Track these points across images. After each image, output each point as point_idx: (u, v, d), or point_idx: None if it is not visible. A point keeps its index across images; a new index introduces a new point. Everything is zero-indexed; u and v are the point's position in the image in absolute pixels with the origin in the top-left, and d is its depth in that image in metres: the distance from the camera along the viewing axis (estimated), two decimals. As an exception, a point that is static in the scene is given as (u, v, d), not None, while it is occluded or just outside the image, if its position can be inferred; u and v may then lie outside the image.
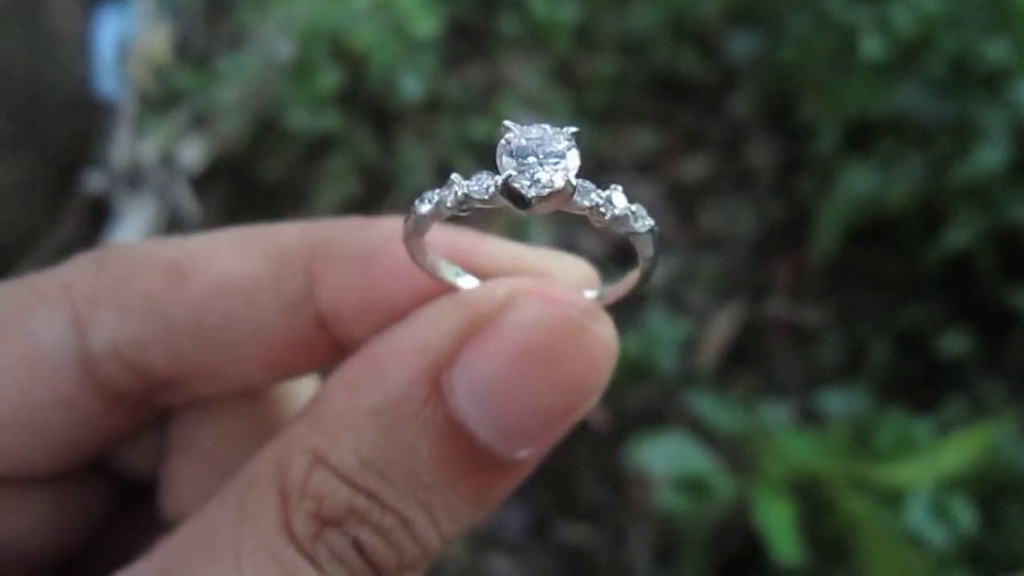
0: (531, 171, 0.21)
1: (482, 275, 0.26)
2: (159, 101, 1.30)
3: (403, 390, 0.23)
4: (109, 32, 1.32)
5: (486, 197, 0.21)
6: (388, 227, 0.27)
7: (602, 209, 0.22)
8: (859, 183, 1.14)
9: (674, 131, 1.41)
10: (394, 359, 0.24)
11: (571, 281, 0.26)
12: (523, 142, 0.21)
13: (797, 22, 1.26)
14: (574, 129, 0.22)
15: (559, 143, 0.21)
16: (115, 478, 0.32)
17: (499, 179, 0.21)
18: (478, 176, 0.22)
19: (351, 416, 0.24)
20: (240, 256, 0.27)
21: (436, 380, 0.23)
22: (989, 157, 1.03)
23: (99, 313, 0.27)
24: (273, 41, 1.28)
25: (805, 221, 1.27)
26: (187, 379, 0.28)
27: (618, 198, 0.22)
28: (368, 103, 1.32)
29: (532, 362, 0.23)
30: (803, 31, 1.25)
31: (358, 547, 0.23)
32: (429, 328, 0.24)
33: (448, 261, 0.26)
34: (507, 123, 0.22)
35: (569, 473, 1.12)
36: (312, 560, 0.23)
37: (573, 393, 0.24)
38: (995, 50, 1.05)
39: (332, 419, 0.24)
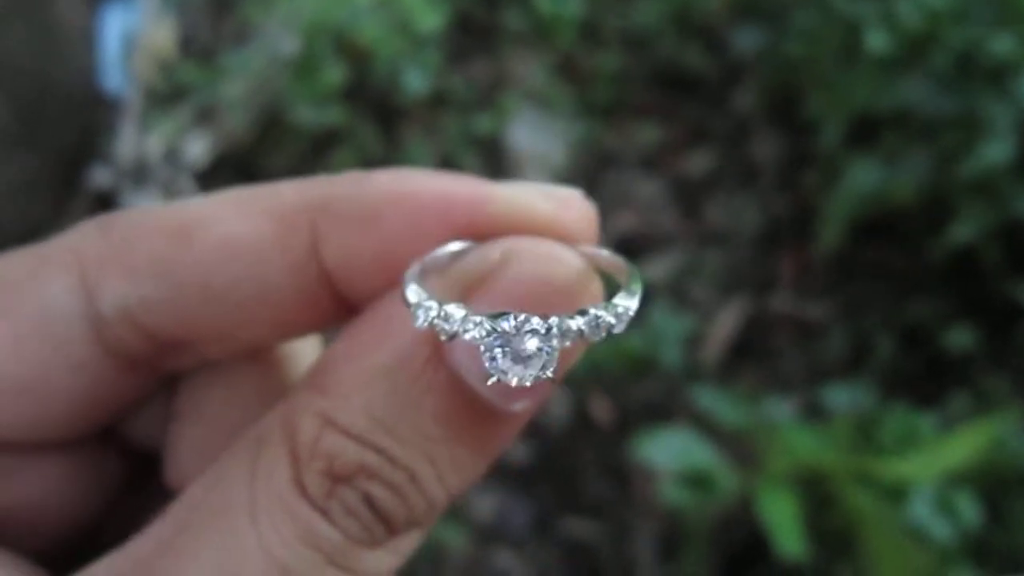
0: (513, 369, 0.23)
1: (485, 225, 0.27)
2: (164, 96, 1.30)
3: (407, 351, 0.25)
4: (114, 28, 1.32)
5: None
6: (388, 182, 0.27)
7: (586, 335, 0.23)
8: (864, 178, 1.14)
9: (678, 126, 1.41)
10: (397, 322, 0.25)
11: (569, 225, 0.27)
12: (505, 349, 0.23)
13: (802, 16, 1.26)
14: (552, 321, 0.23)
15: (541, 333, 0.23)
16: (126, 449, 0.33)
17: (486, 360, 0.23)
18: (473, 321, 0.23)
19: (358, 377, 0.25)
20: (243, 216, 0.28)
21: (437, 339, 0.24)
22: (995, 152, 1.03)
23: (107, 276, 0.27)
24: (278, 36, 1.29)
25: (810, 216, 1.26)
26: (195, 340, 0.29)
27: (600, 325, 0.23)
28: (373, 98, 1.32)
29: None
30: (808, 25, 1.24)
31: (369, 501, 0.25)
32: (433, 287, 0.25)
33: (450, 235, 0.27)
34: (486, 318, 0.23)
35: (573, 468, 1.12)
36: (326, 515, 0.24)
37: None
38: (1001, 44, 1.04)
39: (339, 382, 0.25)
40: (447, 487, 0.26)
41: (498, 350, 0.23)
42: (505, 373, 0.23)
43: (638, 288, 0.24)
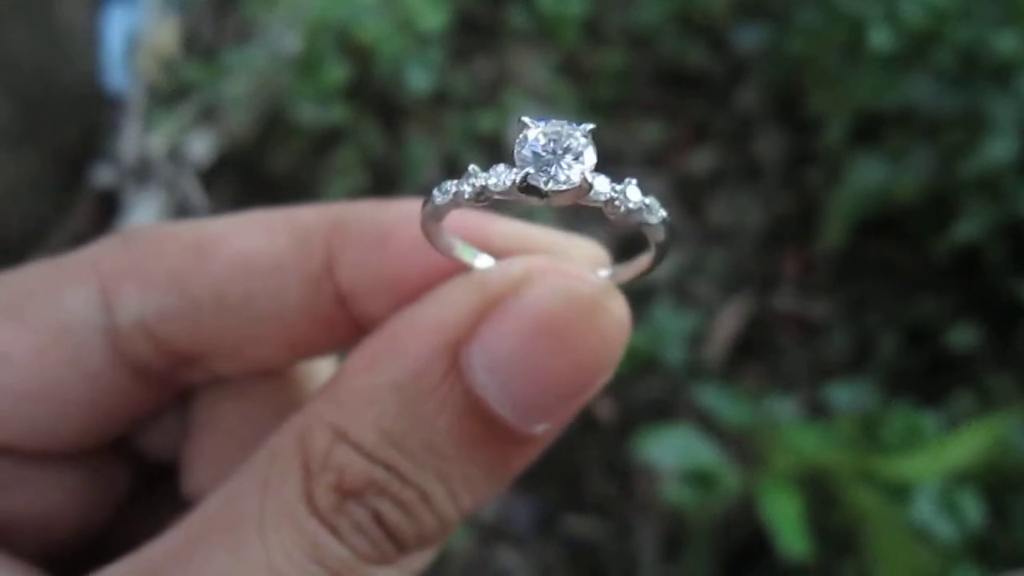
0: (549, 167, 0.22)
1: (494, 255, 0.27)
2: (167, 95, 1.30)
3: (422, 366, 0.24)
4: (117, 26, 1.32)
5: (504, 189, 0.22)
6: (404, 208, 0.28)
7: (616, 203, 0.22)
8: (867, 175, 1.14)
9: (682, 124, 1.41)
10: (413, 336, 0.25)
11: (583, 261, 0.27)
12: (540, 138, 0.22)
13: (805, 14, 1.25)
14: (591, 126, 0.22)
15: (576, 139, 0.22)
16: (137, 460, 0.33)
17: (518, 175, 0.22)
18: (496, 168, 0.22)
19: (371, 392, 0.24)
20: (262, 235, 0.28)
21: (455, 356, 0.24)
22: (998, 149, 1.03)
23: (125, 289, 0.28)
24: (280, 34, 1.29)
25: (813, 214, 1.26)
26: (209, 356, 0.29)
27: (632, 192, 0.22)
28: (375, 96, 1.32)
29: (548, 338, 0.23)
30: (811, 23, 1.24)
31: (378, 519, 0.24)
32: (447, 306, 0.25)
33: (463, 242, 0.26)
34: (524, 119, 0.22)
35: (576, 466, 1.12)
36: (334, 530, 0.24)
37: (588, 369, 0.24)
38: (1005, 42, 1.04)
39: (352, 395, 0.25)
40: (459, 507, 0.25)
41: (531, 156, 0.22)
42: (545, 169, 0.22)
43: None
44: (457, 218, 0.26)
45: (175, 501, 0.31)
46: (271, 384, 0.31)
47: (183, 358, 0.29)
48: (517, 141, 0.22)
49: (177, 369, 0.29)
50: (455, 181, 0.23)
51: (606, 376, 0.25)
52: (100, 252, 0.28)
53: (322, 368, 0.33)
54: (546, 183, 0.21)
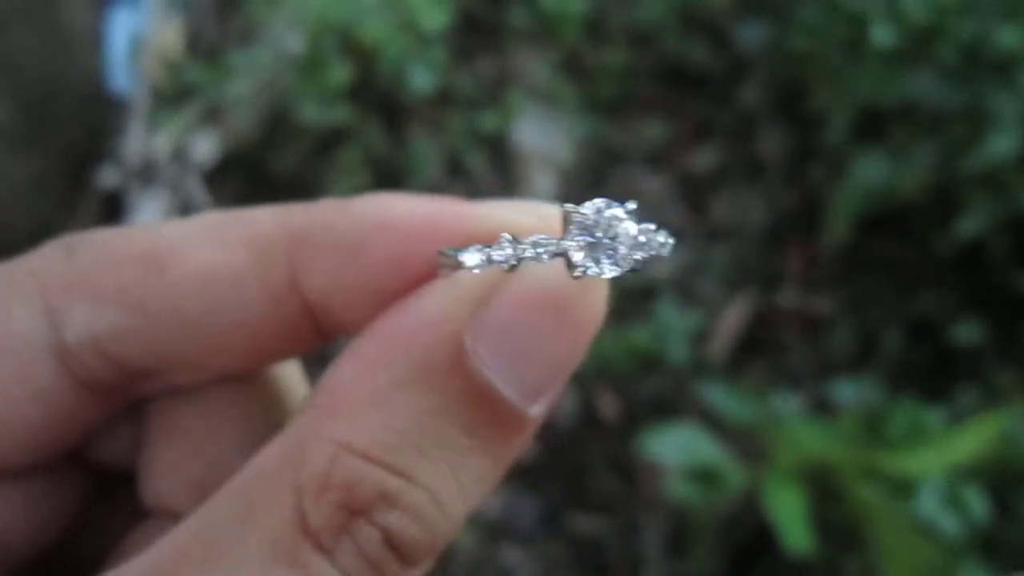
0: (598, 257, 0.23)
1: (470, 239, 0.26)
2: (171, 96, 1.31)
3: (429, 359, 0.23)
4: (121, 28, 1.33)
5: (542, 263, 0.23)
6: (371, 210, 0.27)
7: (644, 245, 0.24)
8: (870, 172, 1.14)
9: (684, 121, 1.41)
10: (414, 332, 0.24)
11: (550, 227, 0.27)
12: (587, 228, 0.24)
13: (807, 10, 1.25)
14: (632, 205, 0.24)
15: (625, 227, 0.24)
16: (91, 469, 0.32)
17: (577, 271, 0.23)
18: (533, 241, 0.23)
19: (376, 395, 0.23)
20: (220, 245, 0.27)
21: (459, 345, 0.23)
22: (1001, 144, 1.03)
23: (73, 303, 0.26)
24: (283, 35, 1.29)
25: (816, 210, 1.26)
26: (166, 369, 0.28)
27: (660, 239, 0.24)
28: (378, 96, 1.32)
29: (549, 313, 0.24)
30: (813, 19, 1.24)
31: (387, 535, 0.23)
32: (445, 297, 0.24)
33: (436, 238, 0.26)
34: (567, 206, 0.24)
35: (581, 464, 1.12)
36: (333, 558, 0.22)
37: (580, 342, 0.24)
38: (1007, 37, 1.04)
39: (352, 403, 0.24)
40: (467, 504, 0.24)
41: (585, 239, 0.23)
42: (598, 263, 0.23)
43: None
44: (435, 212, 0.26)
45: (136, 509, 0.30)
46: (228, 389, 0.30)
47: (137, 372, 0.28)
48: (568, 223, 0.23)
49: (130, 382, 0.28)
50: (485, 248, 0.23)
51: (587, 348, 0.25)
52: (42, 263, 0.27)
53: (282, 372, 0.31)
54: (592, 271, 0.23)
